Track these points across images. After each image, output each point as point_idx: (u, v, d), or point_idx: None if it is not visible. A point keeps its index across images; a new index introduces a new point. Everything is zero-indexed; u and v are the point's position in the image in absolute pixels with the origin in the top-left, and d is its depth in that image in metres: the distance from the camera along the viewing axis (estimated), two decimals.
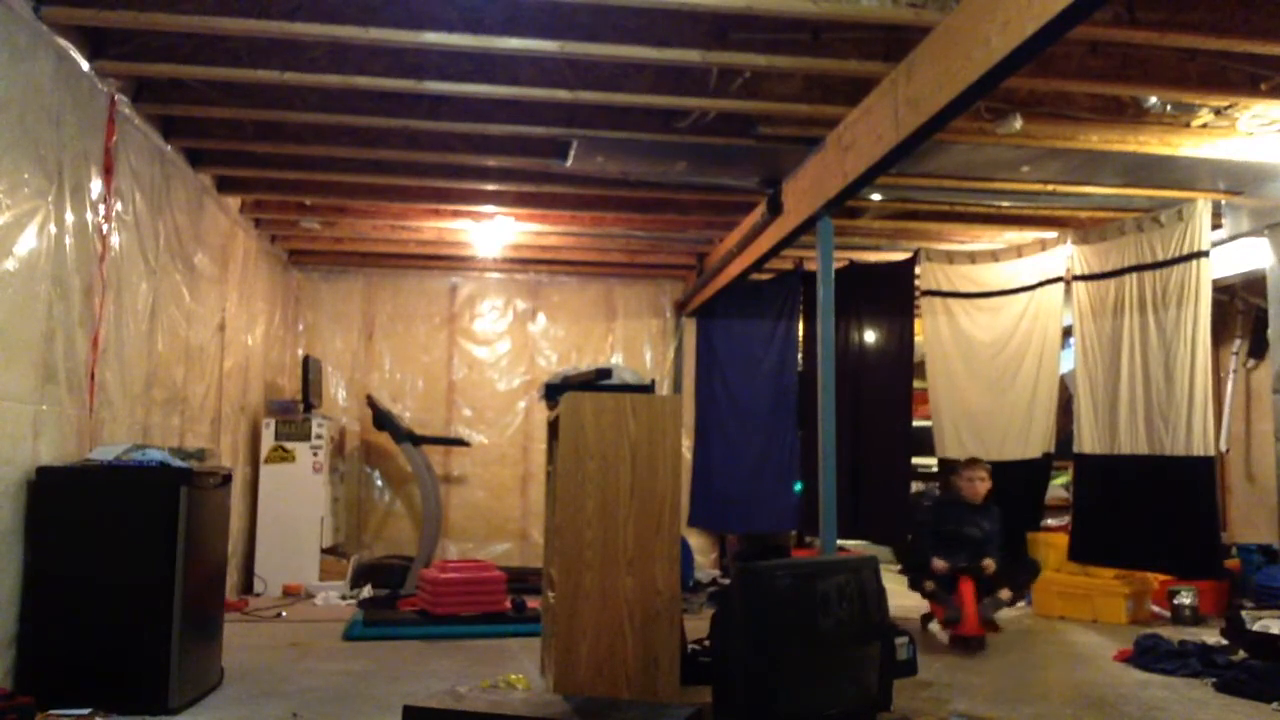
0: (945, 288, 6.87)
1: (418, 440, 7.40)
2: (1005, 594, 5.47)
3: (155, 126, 4.97)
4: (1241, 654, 4.92)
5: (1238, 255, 6.01)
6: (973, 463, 5.92)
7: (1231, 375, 7.38)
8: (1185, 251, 5.53)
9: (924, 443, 6.92)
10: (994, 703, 4.19)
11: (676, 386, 8.50)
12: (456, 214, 6.72)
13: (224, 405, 6.29)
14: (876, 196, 5.95)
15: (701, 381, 8.16)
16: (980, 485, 5.76)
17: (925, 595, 5.61)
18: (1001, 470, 6.46)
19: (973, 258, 6.91)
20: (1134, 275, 5.83)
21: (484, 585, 5.76)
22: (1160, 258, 5.67)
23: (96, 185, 4.25)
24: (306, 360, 7.55)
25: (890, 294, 6.97)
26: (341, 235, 7.40)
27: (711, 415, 8.01)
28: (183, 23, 3.83)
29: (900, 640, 4.36)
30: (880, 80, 4.09)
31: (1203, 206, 5.47)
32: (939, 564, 5.51)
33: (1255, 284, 6.31)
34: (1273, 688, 4.26)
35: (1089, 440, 6.01)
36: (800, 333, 7.46)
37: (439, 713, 3.09)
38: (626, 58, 4.14)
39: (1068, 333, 6.61)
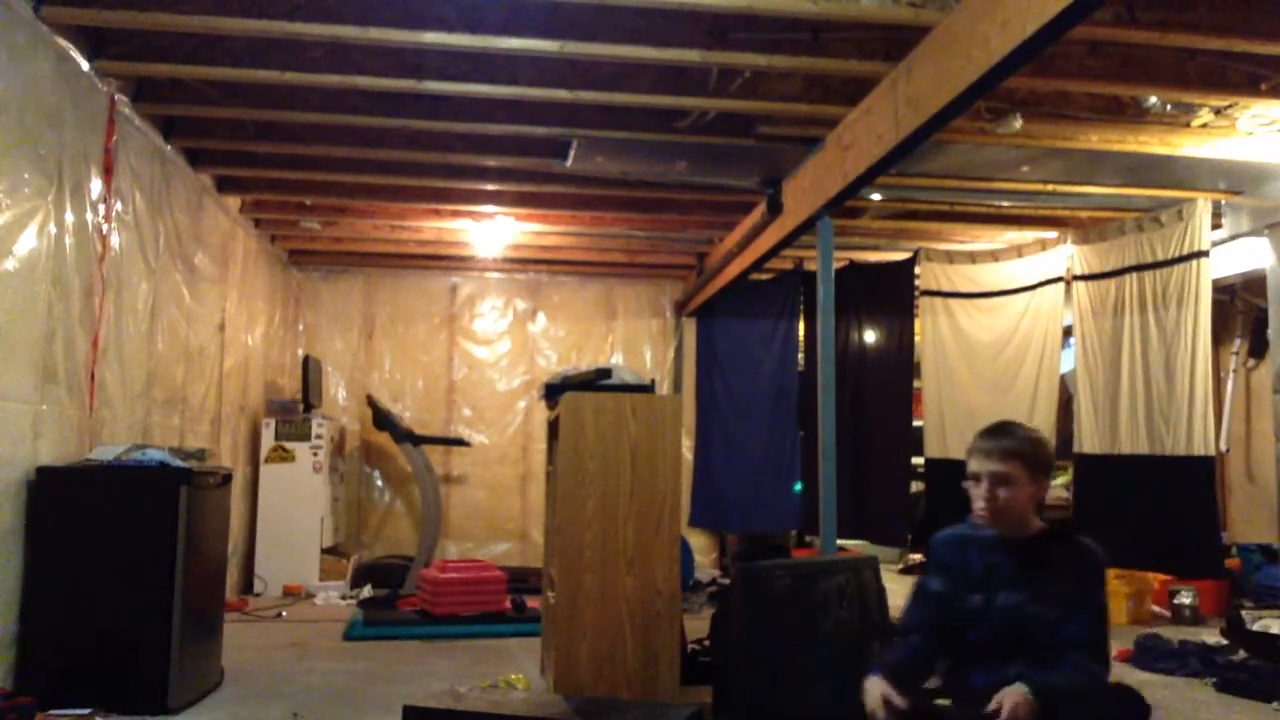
0: (945, 288, 6.87)
1: (418, 440, 7.39)
2: None
3: (155, 126, 4.97)
4: (1241, 654, 4.92)
5: (1238, 255, 6.00)
6: (979, 450, 2.45)
7: (1231, 375, 7.38)
8: (1185, 251, 5.53)
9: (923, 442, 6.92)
10: None
11: (676, 386, 8.50)
12: (456, 214, 6.72)
13: (224, 405, 6.29)
14: (876, 196, 5.95)
15: (701, 381, 8.16)
16: (992, 492, 2.39)
17: None
18: None
19: (973, 258, 6.92)
20: (1134, 275, 5.82)
21: (484, 585, 5.76)
22: (1160, 257, 5.67)
23: (96, 185, 4.25)
24: (306, 360, 7.55)
25: (890, 294, 6.98)
26: (341, 235, 7.40)
27: (711, 415, 8.01)
28: (183, 23, 3.83)
29: None
30: (880, 80, 4.09)
31: (1203, 206, 5.47)
32: (878, 696, 2.32)
33: (1255, 284, 6.31)
34: (1273, 688, 4.26)
35: (1089, 440, 6.01)
36: (800, 333, 7.46)
37: (439, 713, 3.09)
38: (626, 58, 4.14)
39: (1068, 333, 6.61)
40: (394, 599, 6.43)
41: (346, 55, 4.27)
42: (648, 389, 4.07)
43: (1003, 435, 2.45)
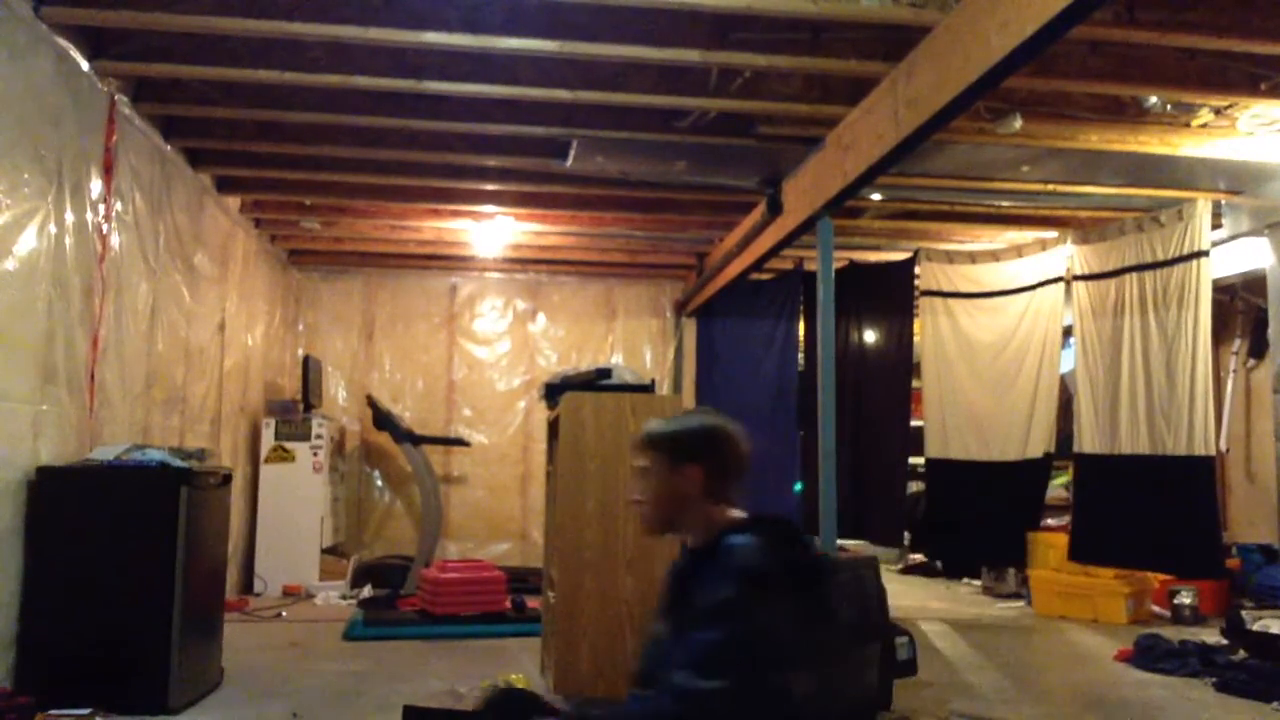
0: (945, 288, 6.88)
1: (418, 440, 7.39)
2: None
3: (155, 126, 4.97)
4: (1241, 654, 4.93)
5: (1238, 255, 6.01)
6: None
7: (1231, 375, 7.38)
8: (1185, 251, 5.53)
9: (923, 442, 6.93)
10: (994, 703, 4.19)
11: (676, 386, 8.49)
12: (456, 214, 6.71)
13: (224, 405, 6.29)
14: (876, 196, 5.95)
15: (702, 381, 8.15)
16: (636, 489, 2.00)
17: None
18: (1003, 470, 6.46)
19: (973, 258, 6.92)
20: (1134, 275, 5.82)
21: (484, 585, 5.76)
22: (1160, 258, 5.67)
23: (96, 185, 4.25)
24: (306, 360, 7.55)
25: (890, 294, 6.98)
26: (341, 235, 7.40)
27: None
28: (182, 23, 3.83)
29: (900, 640, 4.36)
30: (880, 80, 4.09)
31: (1203, 206, 5.47)
32: None
33: (1255, 284, 6.31)
34: (1273, 688, 4.26)
35: (1089, 440, 6.01)
36: (800, 333, 7.46)
37: (439, 713, 3.09)
38: (626, 58, 4.14)
39: (1068, 332, 6.61)
40: (394, 599, 6.43)
41: (346, 55, 4.26)
42: (648, 389, 4.07)
43: (648, 423, 1.99)
